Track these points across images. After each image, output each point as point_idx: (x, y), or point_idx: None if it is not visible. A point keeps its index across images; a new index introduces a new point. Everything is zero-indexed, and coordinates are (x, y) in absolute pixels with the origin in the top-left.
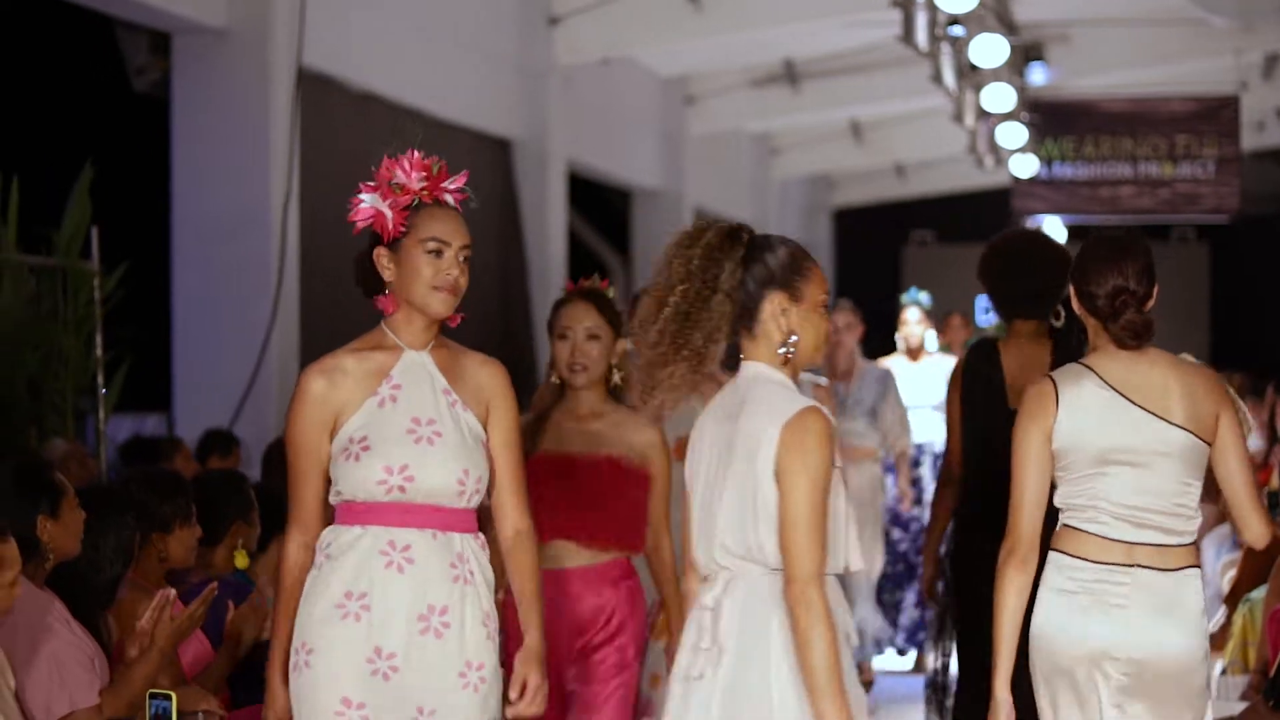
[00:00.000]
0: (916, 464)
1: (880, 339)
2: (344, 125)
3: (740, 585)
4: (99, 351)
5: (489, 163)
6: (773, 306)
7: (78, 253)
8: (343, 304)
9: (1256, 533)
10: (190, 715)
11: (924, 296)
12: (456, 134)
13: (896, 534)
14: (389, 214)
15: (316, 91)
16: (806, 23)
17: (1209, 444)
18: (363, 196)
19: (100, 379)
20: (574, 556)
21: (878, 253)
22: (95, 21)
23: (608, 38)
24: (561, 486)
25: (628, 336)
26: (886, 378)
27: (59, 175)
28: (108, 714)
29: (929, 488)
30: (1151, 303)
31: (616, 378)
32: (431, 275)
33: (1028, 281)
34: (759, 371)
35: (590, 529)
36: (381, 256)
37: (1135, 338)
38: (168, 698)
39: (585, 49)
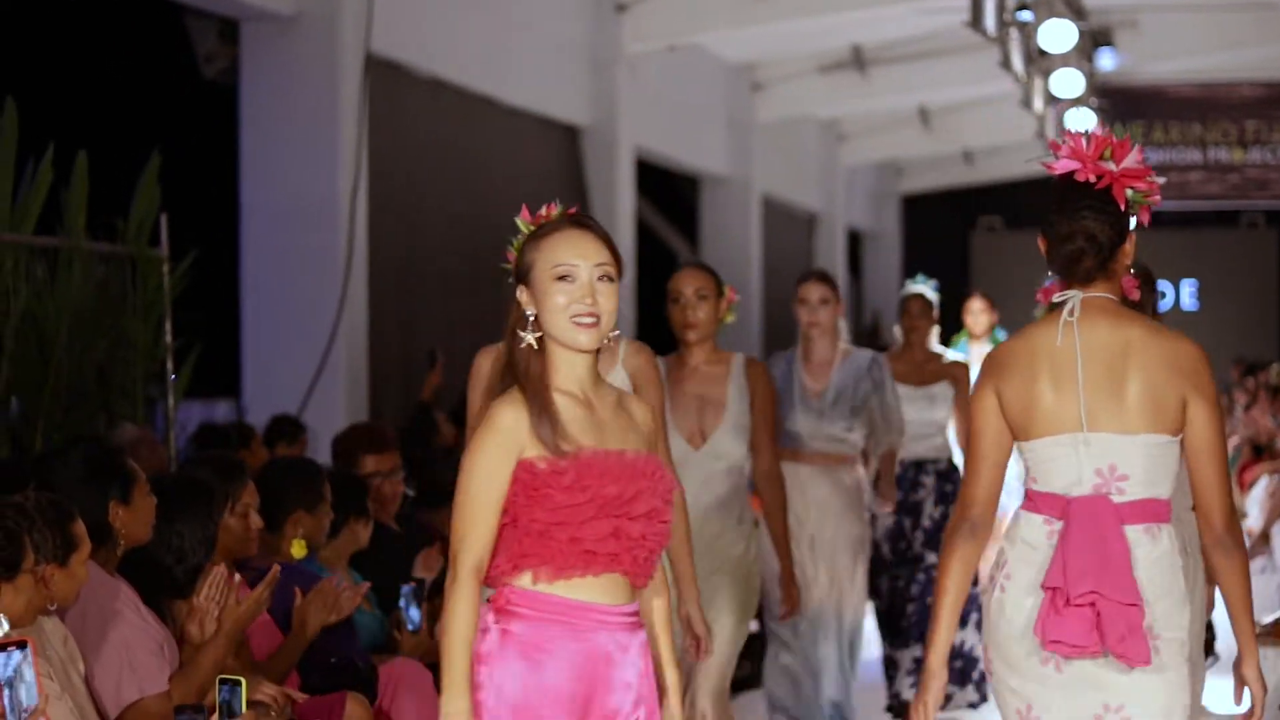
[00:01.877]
0: (914, 485)
1: (948, 328)
2: (413, 112)
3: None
4: (168, 338)
5: (557, 149)
6: None
7: (146, 240)
8: (411, 290)
9: None
10: (261, 705)
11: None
12: (525, 120)
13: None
14: None
15: (385, 78)
16: (875, 9)
17: None
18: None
19: (169, 365)
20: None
21: (946, 239)
22: (164, 9)
23: (675, 25)
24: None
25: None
26: (876, 365)
27: (127, 163)
28: (177, 700)
29: (926, 513)
30: None
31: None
32: None
33: None
34: None
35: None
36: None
37: None
38: (237, 683)
39: (653, 36)
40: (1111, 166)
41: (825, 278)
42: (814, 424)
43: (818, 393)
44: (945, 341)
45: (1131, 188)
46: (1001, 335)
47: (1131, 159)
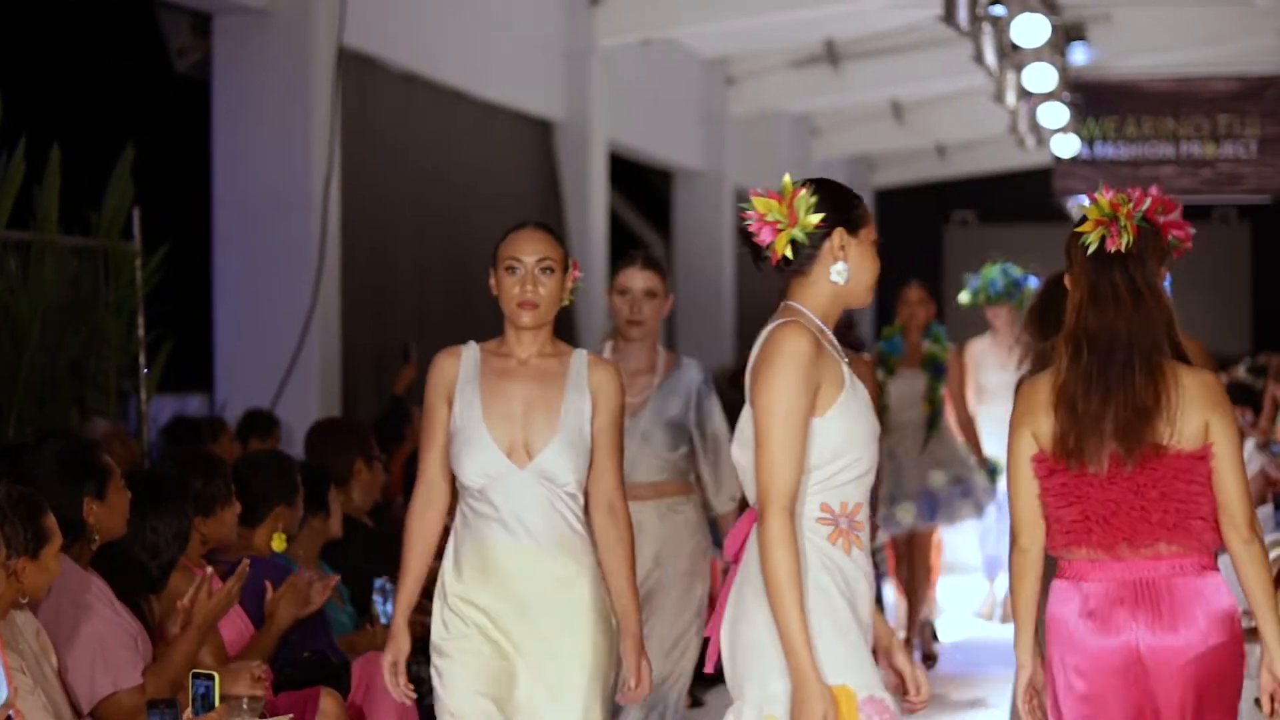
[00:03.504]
0: None
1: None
2: (385, 106)
3: None
4: (140, 332)
5: (531, 144)
6: None
7: (119, 233)
8: (384, 284)
9: None
10: (235, 700)
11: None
12: (498, 115)
13: None
14: None
15: (358, 72)
16: (848, 3)
17: None
18: None
19: (142, 359)
20: None
21: (919, 233)
22: (136, 2)
23: (649, 19)
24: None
25: None
26: (705, 382)
27: (100, 156)
28: (151, 694)
29: None
30: None
31: None
32: None
33: None
34: None
35: None
36: None
37: None
38: (210, 678)
39: (626, 30)
40: (1161, 218)
41: (653, 263)
42: (635, 448)
43: (634, 409)
44: (876, 335)
45: (1173, 234)
46: (939, 330)
47: (1176, 215)
